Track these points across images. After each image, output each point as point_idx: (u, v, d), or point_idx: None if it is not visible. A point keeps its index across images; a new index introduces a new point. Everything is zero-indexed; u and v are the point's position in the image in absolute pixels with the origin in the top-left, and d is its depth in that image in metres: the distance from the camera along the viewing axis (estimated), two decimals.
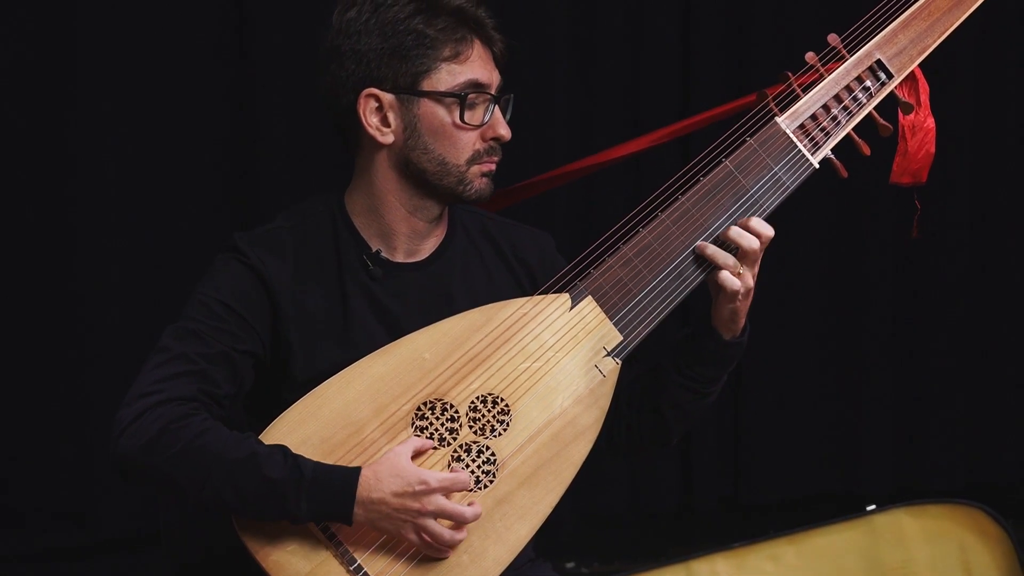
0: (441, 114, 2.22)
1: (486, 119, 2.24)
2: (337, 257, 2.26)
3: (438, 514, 2.08)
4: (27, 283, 3.71)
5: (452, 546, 2.10)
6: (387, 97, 2.22)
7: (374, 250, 2.26)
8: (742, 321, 2.26)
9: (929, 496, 3.44)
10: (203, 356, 2.14)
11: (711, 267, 2.23)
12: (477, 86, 2.22)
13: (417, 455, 2.11)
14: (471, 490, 2.14)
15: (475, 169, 2.24)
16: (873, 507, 3.36)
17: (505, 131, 2.25)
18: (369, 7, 2.21)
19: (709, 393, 2.31)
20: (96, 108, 3.69)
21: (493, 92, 2.25)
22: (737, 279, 2.21)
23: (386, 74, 2.21)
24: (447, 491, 2.08)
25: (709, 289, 2.25)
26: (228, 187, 3.84)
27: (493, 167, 2.27)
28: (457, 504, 2.09)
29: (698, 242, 2.23)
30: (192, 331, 2.16)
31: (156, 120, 3.75)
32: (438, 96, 2.21)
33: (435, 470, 2.12)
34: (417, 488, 2.06)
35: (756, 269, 2.23)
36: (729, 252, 2.21)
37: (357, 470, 2.07)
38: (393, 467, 2.08)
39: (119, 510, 3.73)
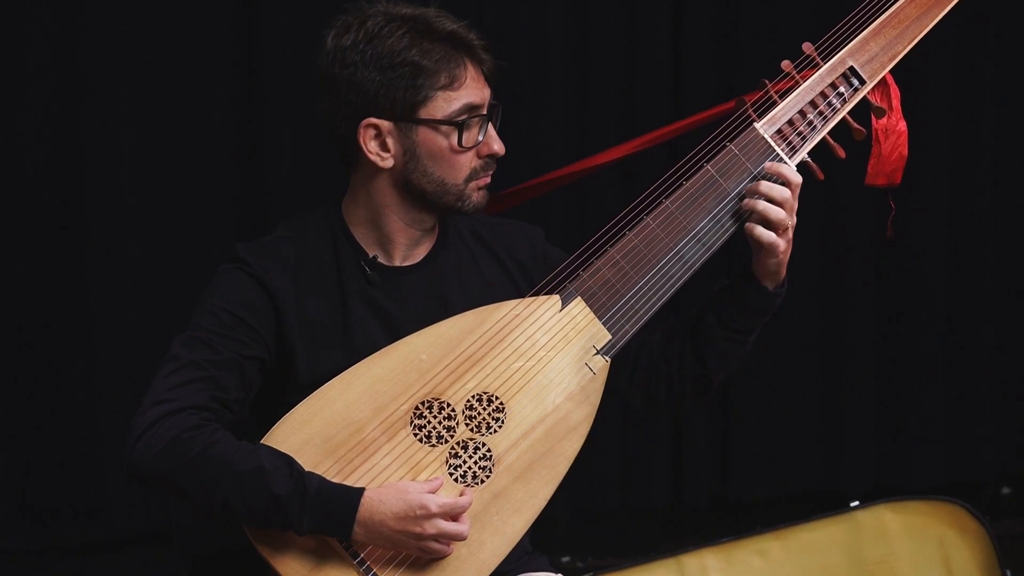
0: (439, 140, 2.25)
1: (480, 139, 2.27)
2: (336, 265, 2.29)
3: (437, 537, 2.12)
4: (42, 286, 3.71)
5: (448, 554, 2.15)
6: (385, 125, 2.24)
7: (371, 256, 2.30)
8: (784, 271, 2.32)
9: (910, 493, 3.46)
10: (213, 363, 2.17)
11: (698, 265, 2.28)
12: (471, 109, 2.25)
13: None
14: (468, 486, 2.18)
15: (472, 185, 2.28)
16: (856, 503, 3.39)
17: (499, 147, 2.29)
18: (364, 37, 2.22)
19: (749, 342, 2.36)
20: (105, 117, 3.69)
21: (485, 111, 2.27)
22: (773, 233, 2.25)
23: (384, 104, 2.23)
24: (447, 516, 2.12)
25: (751, 246, 2.29)
26: (239, 195, 3.84)
27: (489, 179, 2.31)
28: (455, 524, 2.13)
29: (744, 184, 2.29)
30: (201, 339, 2.19)
31: (166, 130, 3.74)
32: (435, 124, 2.24)
33: (435, 472, 2.17)
34: (418, 512, 2.10)
35: (794, 219, 2.27)
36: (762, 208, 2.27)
37: (360, 491, 2.11)
38: (399, 491, 2.11)
39: (134, 506, 3.72)
